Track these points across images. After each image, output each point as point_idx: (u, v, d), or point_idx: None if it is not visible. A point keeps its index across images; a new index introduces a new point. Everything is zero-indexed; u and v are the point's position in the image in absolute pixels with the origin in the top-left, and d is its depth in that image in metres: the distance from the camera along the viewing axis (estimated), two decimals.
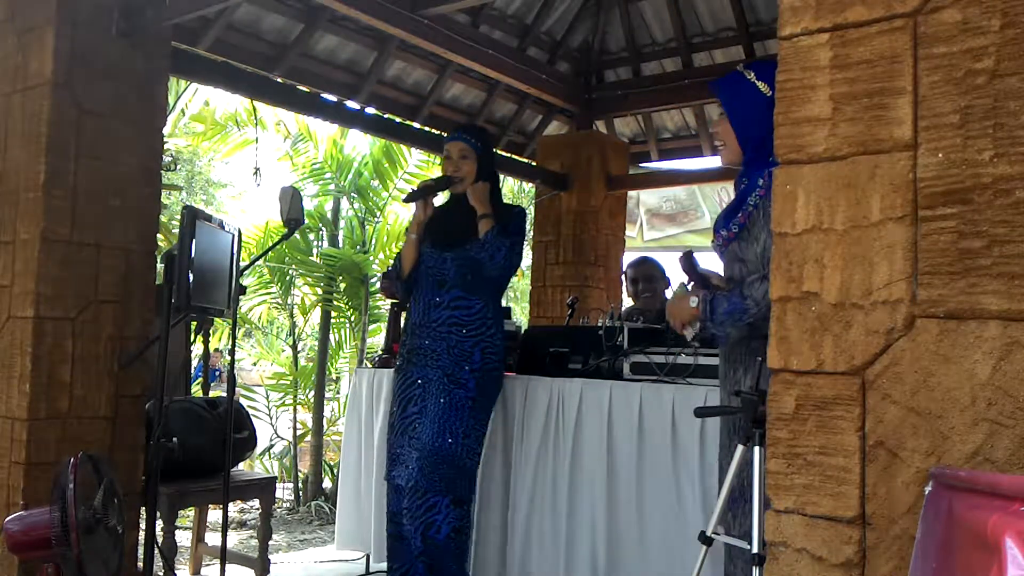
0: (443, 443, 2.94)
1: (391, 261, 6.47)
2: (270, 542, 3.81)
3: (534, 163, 5.82)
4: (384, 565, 3.55)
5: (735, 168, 2.23)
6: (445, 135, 5.23)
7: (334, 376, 7.07)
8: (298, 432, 6.61)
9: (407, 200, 3.25)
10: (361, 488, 3.76)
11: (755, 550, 1.73)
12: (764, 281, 1.95)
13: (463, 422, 2.97)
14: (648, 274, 4.39)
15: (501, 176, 3.35)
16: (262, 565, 3.65)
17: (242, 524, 5.53)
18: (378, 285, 6.05)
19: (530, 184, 7.37)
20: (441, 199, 3.34)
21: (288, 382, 6.72)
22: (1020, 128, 1.24)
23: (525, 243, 3.40)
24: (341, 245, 6.65)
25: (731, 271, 2.13)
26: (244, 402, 5.79)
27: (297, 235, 5.93)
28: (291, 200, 3.10)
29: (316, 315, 6.80)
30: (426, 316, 3.07)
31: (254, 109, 5.48)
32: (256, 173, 5.69)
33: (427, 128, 5.20)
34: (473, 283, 3.04)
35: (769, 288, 1.91)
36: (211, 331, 5.51)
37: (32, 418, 2.91)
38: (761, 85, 2.10)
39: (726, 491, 1.89)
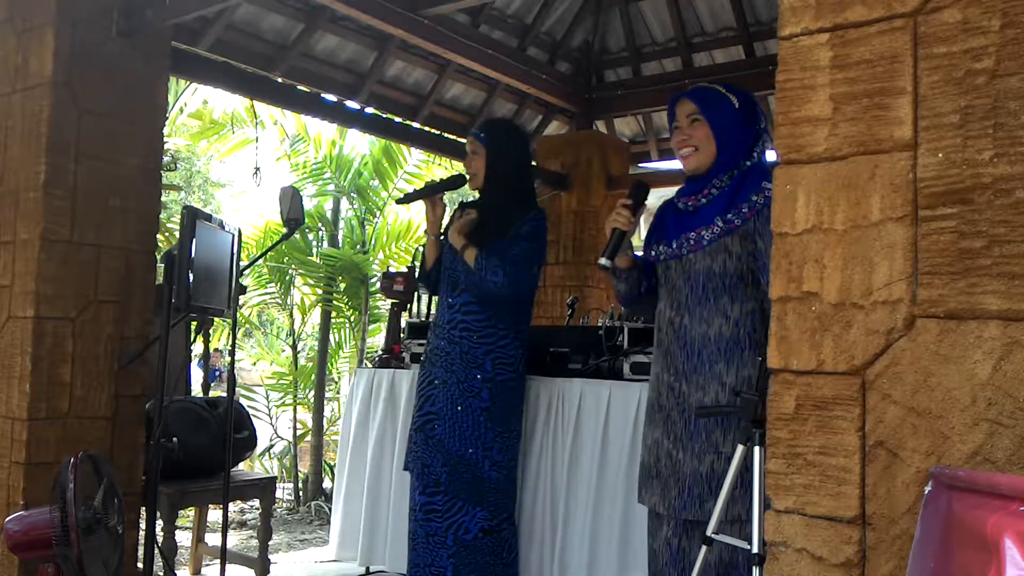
0: (464, 452, 2.89)
1: (390, 261, 6.53)
2: (270, 542, 3.80)
3: (534, 163, 5.82)
4: (383, 566, 3.54)
5: (695, 173, 2.25)
6: (445, 135, 5.29)
7: (334, 376, 7.06)
8: (298, 432, 6.61)
9: (399, 202, 3.27)
10: (358, 492, 3.70)
11: (755, 550, 1.73)
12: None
13: (482, 434, 2.90)
14: None
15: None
16: (262, 565, 3.65)
17: (242, 524, 5.53)
18: (378, 285, 6.06)
19: None
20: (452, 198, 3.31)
21: (288, 382, 6.71)
22: (1020, 128, 1.24)
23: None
24: (341, 245, 6.65)
25: (710, 262, 2.15)
26: (244, 402, 5.78)
27: (297, 235, 5.93)
28: (291, 200, 3.10)
29: (316, 315, 6.80)
30: (441, 317, 3.02)
31: (253, 109, 5.47)
32: (256, 173, 5.69)
33: (427, 128, 5.20)
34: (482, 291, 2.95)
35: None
36: (211, 331, 5.51)
37: (32, 418, 2.91)
38: (731, 97, 2.21)
39: (726, 492, 1.89)
